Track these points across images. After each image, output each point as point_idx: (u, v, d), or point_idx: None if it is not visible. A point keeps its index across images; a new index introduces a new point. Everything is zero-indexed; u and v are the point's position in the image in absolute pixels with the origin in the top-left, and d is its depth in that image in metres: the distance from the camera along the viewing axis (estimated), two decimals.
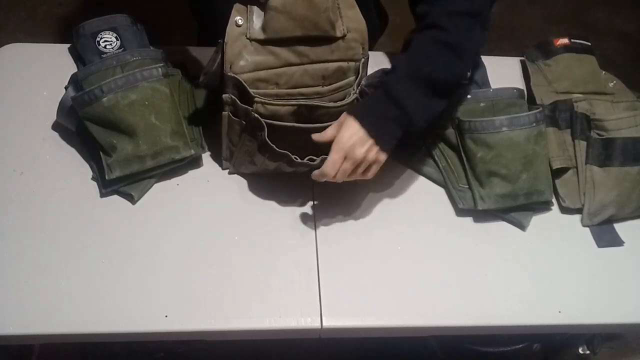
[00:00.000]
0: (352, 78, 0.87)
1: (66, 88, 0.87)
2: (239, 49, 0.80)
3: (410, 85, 0.77)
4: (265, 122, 0.80)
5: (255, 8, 0.80)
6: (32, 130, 0.92)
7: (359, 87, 0.86)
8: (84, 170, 0.88)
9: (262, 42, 0.81)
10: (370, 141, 0.76)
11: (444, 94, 0.80)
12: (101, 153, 0.85)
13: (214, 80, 0.82)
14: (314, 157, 0.81)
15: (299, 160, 0.80)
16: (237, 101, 0.82)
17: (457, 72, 0.81)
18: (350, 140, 0.76)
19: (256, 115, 0.80)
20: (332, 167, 0.76)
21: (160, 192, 0.87)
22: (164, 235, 0.83)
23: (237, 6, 0.80)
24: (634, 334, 1.40)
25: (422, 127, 0.80)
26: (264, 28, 0.81)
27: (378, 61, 1.12)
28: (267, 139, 0.80)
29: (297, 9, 0.79)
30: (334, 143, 0.77)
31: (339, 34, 0.84)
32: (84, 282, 0.77)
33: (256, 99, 0.80)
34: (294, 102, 0.82)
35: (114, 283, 0.77)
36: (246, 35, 0.80)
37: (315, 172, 0.79)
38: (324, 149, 0.79)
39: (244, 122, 0.83)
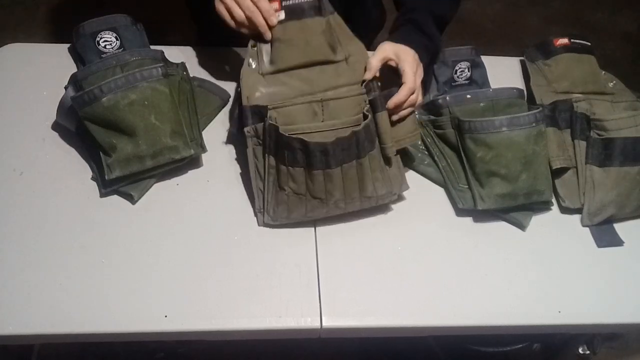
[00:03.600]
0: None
1: (66, 88, 0.87)
2: (253, 82, 0.86)
3: (431, 22, 0.94)
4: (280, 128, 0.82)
5: (264, 48, 0.88)
6: (32, 130, 0.92)
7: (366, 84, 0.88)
8: (84, 170, 0.88)
9: (273, 73, 0.87)
10: (421, 65, 0.89)
11: (443, 29, 0.98)
12: (101, 153, 0.85)
13: (238, 123, 0.86)
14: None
15: (313, 141, 0.79)
16: (257, 127, 0.84)
17: (453, 11, 0.99)
18: (419, 67, 0.88)
19: (270, 121, 0.81)
20: (414, 78, 0.86)
21: (160, 192, 0.87)
22: (164, 235, 0.83)
23: (250, 51, 0.88)
24: (634, 334, 1.40)
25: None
26: (272, 61, 0.88)
27: None
28: (281, 132, 0.80)
29: (296, 34, 0.86)
30: (409, 74, 0.85)
31: (340, 57, 0.89)
32: (83, 282, 0.77)
33: (269, 106, 0.84)
34: (303, 99, 0.86)
35: (114, 283, 0.77)
36: (258, 72, 0.87)
37: (399, 95, 0.84)
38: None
39: (265, 144, 0.84)
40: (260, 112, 0.84)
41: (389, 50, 0.88)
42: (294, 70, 0.88)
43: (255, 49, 0.88)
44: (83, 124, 0.84)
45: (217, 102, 0.99)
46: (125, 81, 0.83)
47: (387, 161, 0.87)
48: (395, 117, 0.87)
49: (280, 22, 0.87)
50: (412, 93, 0.86)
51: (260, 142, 0.85)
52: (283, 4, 0.86)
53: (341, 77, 0.89)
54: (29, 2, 2.09)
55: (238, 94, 0.87)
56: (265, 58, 0.88)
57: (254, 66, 0.87)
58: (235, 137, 0.89)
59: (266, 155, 0.83)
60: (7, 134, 0.91)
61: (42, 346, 1.20)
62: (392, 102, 0.85)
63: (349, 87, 0.89)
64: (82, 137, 0.88)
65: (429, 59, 0.95)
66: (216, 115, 0.98)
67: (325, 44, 0.88)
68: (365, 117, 0.84)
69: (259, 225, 0.85)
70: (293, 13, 0.87)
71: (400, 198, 0.91)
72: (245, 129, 0.84)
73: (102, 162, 0.84)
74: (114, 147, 0.83)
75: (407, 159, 0.95)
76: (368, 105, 0.85)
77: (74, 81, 0.87)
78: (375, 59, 0.87)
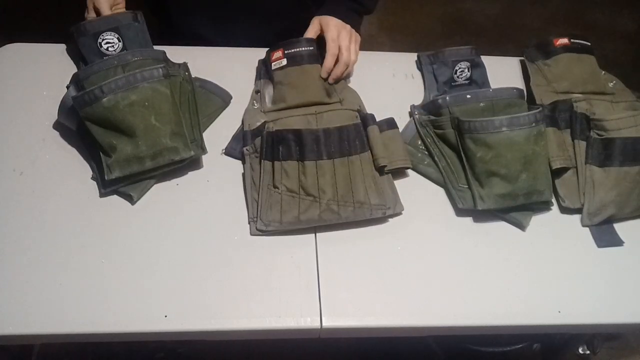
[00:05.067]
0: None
1: (68, 87, 0.87)
2: (254, 115, 0.96)
3: None
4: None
5: (266, 92, 0.99)
6: (32, 130, 0.92)
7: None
8: (84, 170, 0.88)
9: (274, 111, 0.96)
10: (348, 27, 1.01)
11: None
12: (101, 153, 0.85)
13: (236, 146, 0.93)
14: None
15: (308, 129, 0.86)
16: (255, 142, 0.89)
17: None
18: (343, 30, 1.00)
19: (268, 130, 0.87)
20: (331, 59, 0.98)
21: (160, 192, 0.87)
22: (164, 235, 0.83)
23: (253, 95, 0.99)
24: (634, 334, 1.41)
25: (372, 11, 1.11)
26: (273, 101, 0.98)
27: (379, 60, 1.12)
28: (276, 130, 0.86)
29: (296, 78, 0.97)
30: (329, 43, 0.99)
31: (334, 100, 0.98)
32: (83, 282, 0.77)
33: (266, 121, 0.92)
34: (301, 112, 0.95)
35: (114, 283, 0.77)
36: (261, 110, 0.97)
37: (335, 69, 0.99)
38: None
39: (262, 152, 0.88)
40: (259, 132, 0.90)
41: (316, 23, 1.01)
42: (293, 109, 0.96)
43: (259, 94, 0.99)
44: (84, 124, 0.84)
45: (218, 103, 0.99)
46: (125, 82, 0.83)
47: (380, 173, 0.89)
48: (332, 80, 0.99)
49: (282, 67, 0.98)
50: (336, 58, 0.99)
51: (257, 154, 0.88)
52: (285, 52, 0.98)
53: (337, 112, 0.96)
54: (29, 2, 2.09)
55: (239, 131, 0.95)
56: (267, 99, 0.98)
57: (256, 105, 0.98)
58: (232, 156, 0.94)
59: (262, 162, 0.87)
60: (7, 134, 0.91)
61: (42, 346, 1.20)
62: (323, 71, 0.98)
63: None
64: (82, 137, 0.88)
65: (360, 15, 1.08)
66: (217, 116, 0.98)
67: (322, 88, 0.97)
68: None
69: (251, 234, 0.84)
70: (294, 60, 0.98)
71: (400, 198, 0.90)
72: (245, 149, 0.89)
73: (102, 162, 0.84)
74: (114, 147, 0.83)
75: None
76: (359, 121, 0.91)
77: (76, 81, 0.87)
78: (310, 33, 1.00)
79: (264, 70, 1.02)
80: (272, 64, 0.99)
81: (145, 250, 0.81)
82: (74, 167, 0.88)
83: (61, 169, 0.88)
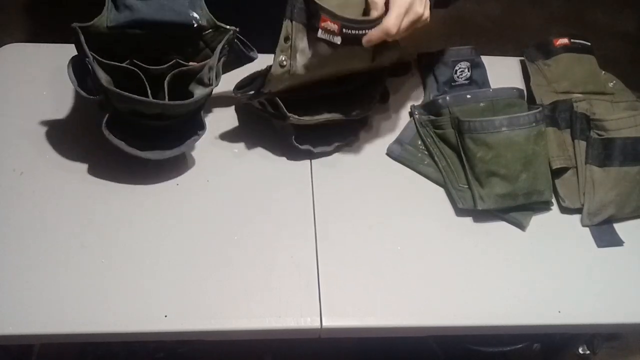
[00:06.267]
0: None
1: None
2: (280, 83, 0.84)
3: None
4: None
5: (300, 48, 0.81)
6: (32, 130, 0.92)
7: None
8: (84, 170, 0.88)
9: (302, 77, 0.85)
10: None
11: None
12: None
13: (249, 98, 0.87)
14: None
15: (318, 150, 0.89)
16: (268, 106, 0.87)
17: None
18: (414, 5, 0.78)
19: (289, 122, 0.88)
20: (395, 21, 0.76)
21: (160, 192, 0.87)
22: (164, 235, 0.83)
23: (282, 45, 0.80)
24: (634, 334, 1.41)
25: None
26: (307, 67, 0.83)
27: None
28: (294, 142, 0.88)
29: (344, 56, 0.83)
30: (391, 14, 0.76)
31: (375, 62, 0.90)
32: (83, 282, 0.77)
33: (291, 119, 0.87)
34: (326, 116, 0.90)
35: (114, 283, 0.77)
36: (289, 72, 0.82)
37: (373, 31, 0.77)
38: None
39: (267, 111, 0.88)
40: (274, 104, 0.86)
41: None
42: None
43: (289, 43, 0.80)
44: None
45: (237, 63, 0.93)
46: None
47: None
48: (365, 43, 0.80)
49: (331, 44, 0.80)
50: (387, 33, 0.77)
51: (258, 107, 0.89)
52: (344, 31, 0.79)
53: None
54: (29, 2, 2.09)
55: (257, 74, 0.86)
56: (300, 59, 0.82)
57: (284, 63, 0.81)
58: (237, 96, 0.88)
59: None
60: (7, 134, 0.91)
61: (42, 346, 1.20)
62: (365, 39, 0.78)
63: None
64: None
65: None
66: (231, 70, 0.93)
67: (368, 58, 0.88)
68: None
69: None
70: (349, 41, 0.80)
71: (400, 198, 0.91)
72: (256, 100, 0.88)
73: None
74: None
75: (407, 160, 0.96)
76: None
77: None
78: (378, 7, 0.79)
79: (302, 8, 0.80)
80: (321, 29, 0.79)
81: (145, 250, 0.81)
82: (74, 167, 0.88)
83: (61, 169, 0.88)
